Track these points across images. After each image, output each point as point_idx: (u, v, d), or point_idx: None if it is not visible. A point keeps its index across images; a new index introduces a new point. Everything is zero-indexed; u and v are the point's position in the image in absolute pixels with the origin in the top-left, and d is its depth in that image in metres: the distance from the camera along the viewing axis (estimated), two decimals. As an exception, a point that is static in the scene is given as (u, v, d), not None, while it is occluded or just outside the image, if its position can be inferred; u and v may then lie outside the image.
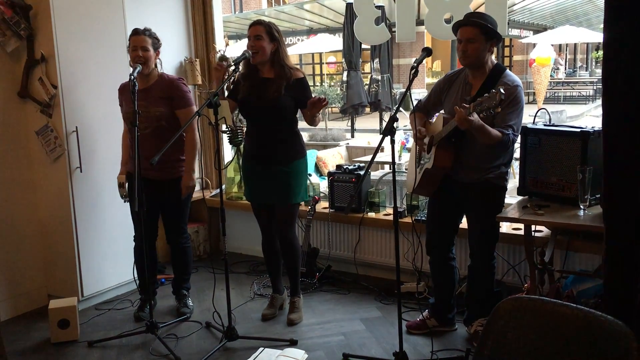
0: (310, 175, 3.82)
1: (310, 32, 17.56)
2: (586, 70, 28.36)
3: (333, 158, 7.65)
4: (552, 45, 14.38)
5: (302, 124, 3.46)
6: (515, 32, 18.02)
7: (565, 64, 23.86)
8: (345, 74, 9.52)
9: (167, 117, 3.37)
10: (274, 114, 3.22)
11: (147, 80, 3.39)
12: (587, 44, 26.95)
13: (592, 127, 2.87)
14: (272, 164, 3.31)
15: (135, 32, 3.32)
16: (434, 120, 3.15)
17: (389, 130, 2.65)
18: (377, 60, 8.89)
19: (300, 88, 3.26)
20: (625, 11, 2.05)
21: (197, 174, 3.58)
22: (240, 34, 15.28)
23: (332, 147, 8.75)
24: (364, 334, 3.33)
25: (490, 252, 3.07)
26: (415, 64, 2.71)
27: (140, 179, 3.07)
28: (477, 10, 3.74)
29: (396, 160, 2.92)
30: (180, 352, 3.16)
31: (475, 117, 2.64)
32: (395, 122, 2.65)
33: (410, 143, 5.61)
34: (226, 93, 3.28)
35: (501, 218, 2.93)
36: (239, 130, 4.36)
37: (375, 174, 5.62)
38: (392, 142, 2.67)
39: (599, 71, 21.68)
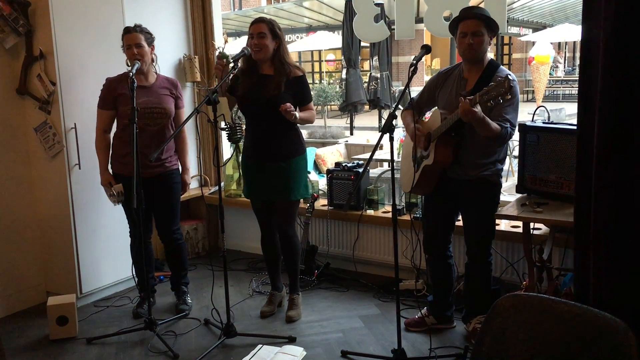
0: (309, 172, 3.82)
1: (310, 29, 17.53)
2: (585, 69, 28.25)
3: (332, 155, 7.65)
4: (551, 43, 14.41)
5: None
6: (514, 30, 17.98)
7: (565, 62, 23.81)
8: (344, 71, 9.53)
9: (172, 114, 3.44)
10: (273, 111, 3.22)
11: (148, 78, 3.40)
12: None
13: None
14: (271, 161, 3.30)
15: (127, 31, 3.32)
16: (429, 117, 3.14)
17: (388, 128, 2.65)
18: (376, 57, 8.90)
19: (299, 86, 3.27)
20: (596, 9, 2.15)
21: (193, 171, 3.59)
22: (240, 31, 15.22)
23: (331, 144, 8.76)
24: (363, 331, 3.33)
25: (486, 248, 3.07)
26: (415, 62, 2.71)
27: (139, 177, 3.06)
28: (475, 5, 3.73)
29: (395, 157, 2.91)
30: (179, 349, 3.16)
31: (478, 108, 2.64)
32: (394, 120, 2.65)
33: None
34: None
35: (500, 215, 2.93)
36: (237, 128, 4.36)
37: (374, 172, 5.64)
38: (391, 139, 2.68)
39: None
